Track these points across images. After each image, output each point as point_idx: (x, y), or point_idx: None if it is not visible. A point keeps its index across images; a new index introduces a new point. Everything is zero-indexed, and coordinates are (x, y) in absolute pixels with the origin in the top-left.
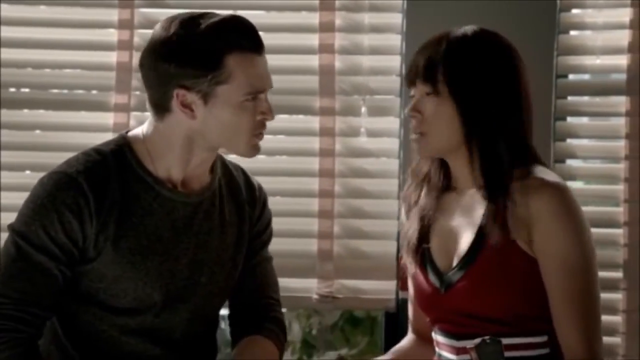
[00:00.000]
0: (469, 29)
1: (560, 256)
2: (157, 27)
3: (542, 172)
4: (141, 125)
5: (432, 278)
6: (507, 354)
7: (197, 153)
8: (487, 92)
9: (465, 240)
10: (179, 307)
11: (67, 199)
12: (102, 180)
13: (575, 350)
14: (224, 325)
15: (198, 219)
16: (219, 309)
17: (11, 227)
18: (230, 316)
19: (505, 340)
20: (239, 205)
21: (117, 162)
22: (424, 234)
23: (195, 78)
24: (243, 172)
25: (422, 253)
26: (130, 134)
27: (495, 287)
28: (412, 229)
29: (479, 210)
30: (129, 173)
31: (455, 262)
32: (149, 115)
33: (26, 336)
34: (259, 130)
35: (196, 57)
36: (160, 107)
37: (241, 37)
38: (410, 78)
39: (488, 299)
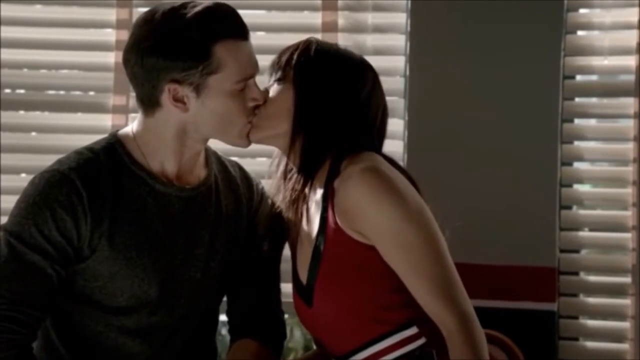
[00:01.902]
0: (336, 43)
1: (391, 237)
2: (138, 20)
3: (360, 159)
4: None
5: (299, 293)
6: (384, 358)
7: (190, 145)
8: (324, 88)
9: (311, 248)
10: (175, 304)
11: (59, 196)
12: (95, 176)
13: (446, 320)
14: (224, 331)
15: (193, 213)
16: (216, 307)
17: (3, 227)
18: (228, 313)
19: (381, 345)
20: (238, 199)
21: (109, 158)
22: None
23: (186, 70)
24: (239, 168)
25: (293, 267)
26: (120, 132)
27: (345, 285)
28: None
29: (319, 211)
30: (121, 169)
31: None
32: None
33: (21, 337)
34: (251, 117)
35: (185, 48)
36: (150, 103)
37: (227, 24)
38: (271, 65)
39: (344, 300)
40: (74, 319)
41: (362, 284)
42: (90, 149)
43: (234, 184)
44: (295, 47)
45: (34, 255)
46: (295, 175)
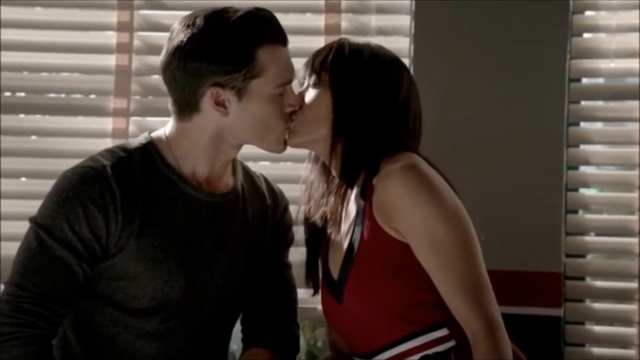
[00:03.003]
0: (368, 42)
1: (424, 234)
2: (177, 26)
3: (400, 158)
4: (145, 130)
5: (329, 291)
6: (414, 357)
7: (225, 150)
8: (362, 91)
9: (345, 245)
10: (195, 309)
11: (92, 193)
12: (128, 175)
13: (471, 323)
14: None
15: (220, 219)
16: (233, 315)
17: (34, 220)
18: (243, 322)
19: (409, 344)
20: (264, 209)
21: (142, 159)
22: (321, 247)
23: (229, 74)
24: (264, 179)
25: (325, 266)
26: (153, 134)
27: (378, 282)
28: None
29: (355, 209)
30: (154, 170)
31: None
32: (148, 120)
33: (42, 333)
34: (289, 122)
35: (229, 52)
36: (188, 107)
37: (269, 29)
38: (304, 68)
39: (374, 297)
40: (93, 319)
41: (394, 281)
42: (123, 148)
43: (260, 195)
44: (328, 49)
45: (62, 250)
46: (337, 180)
